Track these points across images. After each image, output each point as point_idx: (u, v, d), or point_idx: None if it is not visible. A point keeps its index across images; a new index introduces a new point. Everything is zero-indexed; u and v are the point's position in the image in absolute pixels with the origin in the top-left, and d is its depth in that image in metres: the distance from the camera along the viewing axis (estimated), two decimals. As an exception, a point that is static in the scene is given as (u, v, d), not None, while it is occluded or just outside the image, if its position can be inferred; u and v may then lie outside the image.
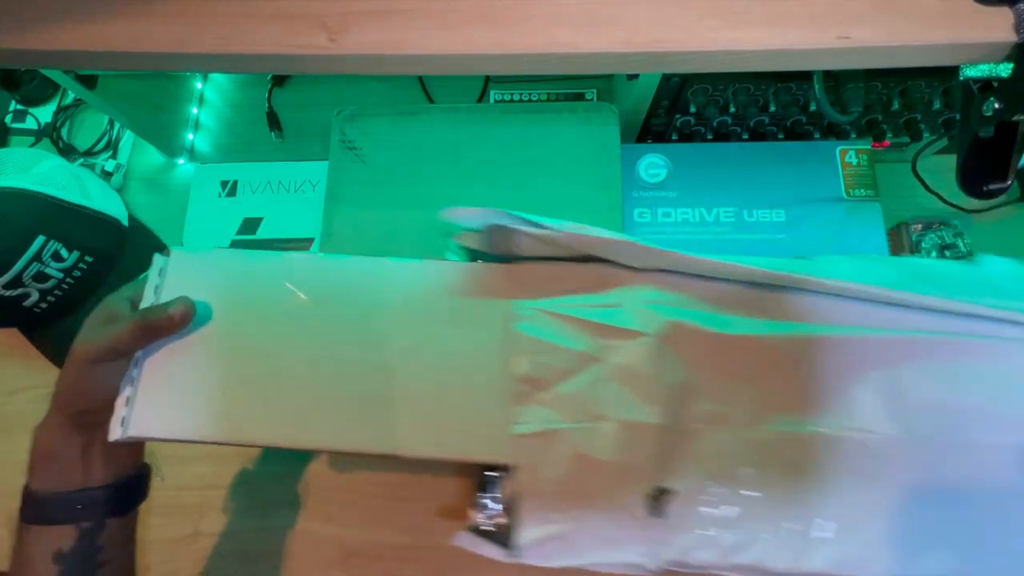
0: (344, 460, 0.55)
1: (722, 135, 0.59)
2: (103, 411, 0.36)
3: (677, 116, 0.56)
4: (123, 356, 0.37)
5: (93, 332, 0.36)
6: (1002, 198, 0.56)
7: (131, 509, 0.40)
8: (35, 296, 0.54)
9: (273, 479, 0.55)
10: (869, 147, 0.56)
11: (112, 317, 0.37)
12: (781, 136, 0.59)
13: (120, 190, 0.66)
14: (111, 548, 0.37)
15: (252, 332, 0.38)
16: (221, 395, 0.37)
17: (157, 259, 0.39)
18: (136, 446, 0.40)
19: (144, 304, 0.38)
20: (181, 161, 0.68)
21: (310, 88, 0.69)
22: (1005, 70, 0.34)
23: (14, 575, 0.36)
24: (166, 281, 0.39)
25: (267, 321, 0.39)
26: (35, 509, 0.37)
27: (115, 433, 0.36)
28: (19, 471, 0.56)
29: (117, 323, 0.36)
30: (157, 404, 0.37)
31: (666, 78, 0.51)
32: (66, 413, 0.37)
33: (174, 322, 0.36)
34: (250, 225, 0.60)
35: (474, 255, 0.41)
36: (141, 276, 0.39)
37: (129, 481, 0.39)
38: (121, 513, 0.39)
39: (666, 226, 0.54)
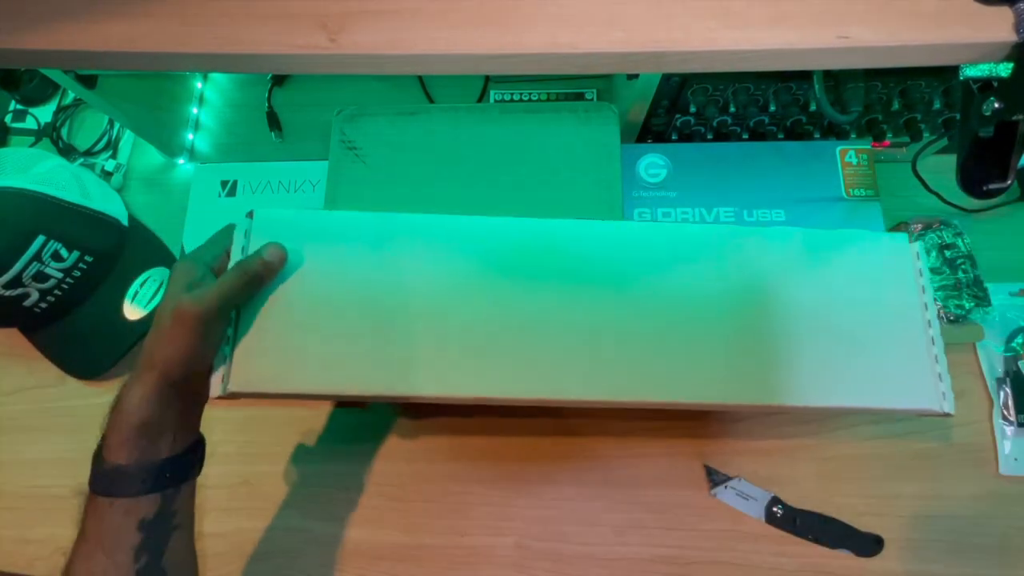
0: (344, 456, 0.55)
1: (722, 135, 0.59)
2: (208, 373, 0.37)
3: (677, 116, 0.56)
4: (230, 309, 0.38)
5: (190, 294, 0.36)
6: (1002, 198, 0.56)
7: (199, 472, 0.41)
8: (35, 296, 0.54)
9: (273, 479, 0.55)
10: (869, 147, 0.56)
11: (195, 280, 0.37)
12: (781, 136, 0.59)
13: (120, 190, 0.66)
14: (182, 512, 0.38)
15: (340, 287, 0.40)
16: (316, 349, 0.39)
17: (241, 222, 0.41)
18: (199, 409, 0.41)
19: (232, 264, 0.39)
20: (181, 161, 0.68)
21: (310, 88, 0.69)
22: (1005, 70, 0.34)
23: (93, 546, 0.35)
24: (251, 243, 0.41)
25: (354, 276, 0.41)
26: (124, 483, 0.36)
27: (215, 390, 0.38)
28: (19, 471, 0.57)
29: (207, 283, 0.36)
30: (255, 361, 0.38)
31: (666, 78, 0.51)
32: (171, 379, 0.36)
33: (271, 266, 0.38)
34: (250, 225, 0.60)
35: None
36: (211, 238, 0.41)
37: (198, 444, 0.40)
38: (194, 476, 0.40)
39: (666, 226, 0.54)
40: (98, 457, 0.36)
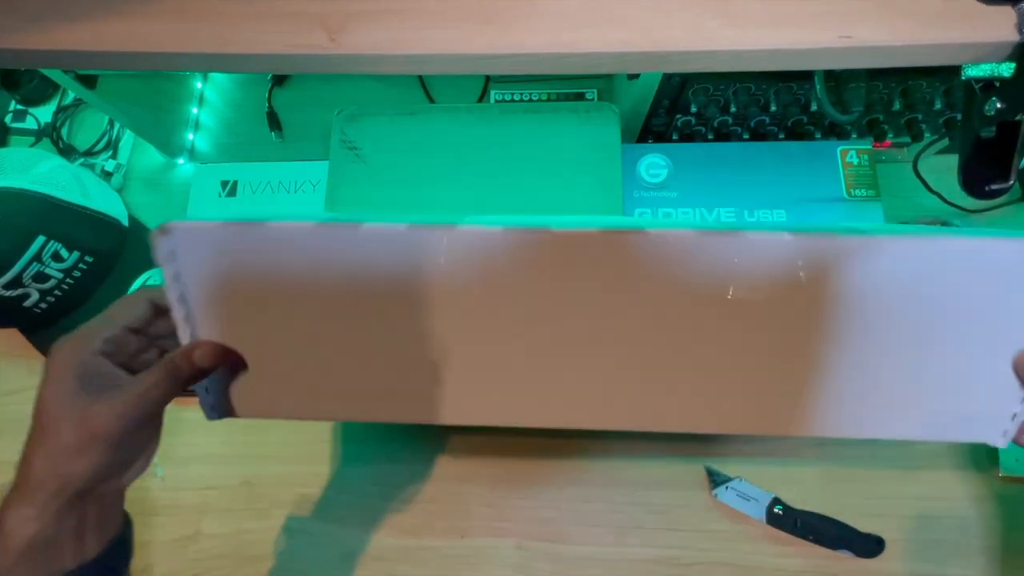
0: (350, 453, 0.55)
1: (723, 135, 0.59)
2: (129, 481, 0.33)
3: (678, 116, 0.56)
4: (156, 416, 0.32)
5: (102, 399, 0.29)
6: (1004, 198, 0.56)
7: (128, 566, 0.34)
8: (35, 296, 0.54)
9: (273, 479, 0.55)
10: (870, 147, 0.56)
11: (93, 372, 0.30)
12: (782, 136, 0.59)
13: (120, 190, 0.66)
14: None
15: (332, 312, 0.35)
16: (300, 374, 0.36)
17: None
18: (120, 499, 0.34)
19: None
20: (181, 161, 0.68)
21: (310, 88, 0.69)
22: (1007, 70, 0.34)
23: None
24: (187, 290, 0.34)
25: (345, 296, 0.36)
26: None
27: (210, 416, 0.35)
28: (19, 471, 0.57)
29: (118, 384, 0.30)
30: (240, 387, 0.35)
31: (667, 78, 0.51)
32: (72, 494, 0.30)
33: (202, 369, 0.31)
34: (250, 225, 0.60)
35: None
36: (104, 313, 0.32)
37: (121, 539, 0.33)
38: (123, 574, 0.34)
39: (667, 226, 0.54)
40: None
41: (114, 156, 0.68)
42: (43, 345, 0.59)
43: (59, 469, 0.29)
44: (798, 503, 0.51)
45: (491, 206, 0.53)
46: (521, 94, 0.66)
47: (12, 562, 0.29)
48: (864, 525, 0.50)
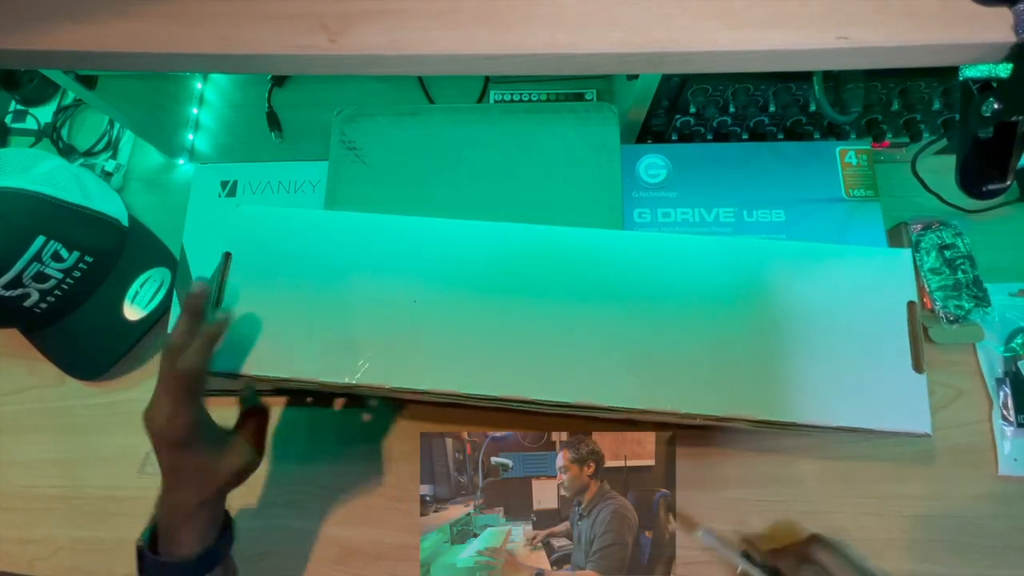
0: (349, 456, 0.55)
1: (722, 135, 0.59)
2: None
3: (677, 116, 0.56)
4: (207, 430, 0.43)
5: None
6: (1001, 198, 0.56)
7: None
8: (35, 296, 0.54)
9: (272, 479, 0.55)
10: (869, 147, 0.56)
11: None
12: (781, 136, 0.59)
13: (120, 190, 0.66)
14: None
15: (322, 282, 0.44)
16: (291, 339, 0.43)
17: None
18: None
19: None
20: (181, 161, 0.68)
21: (310, 88, 0.69)
22: (1004, 70, 0.34)
23: None
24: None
25: (334, 273, 0.44)
26: (212, 559, 0.42)
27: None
28: (19, 471, 0.57)
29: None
30: (233, 344, 0.43)
31: (666, 78, 0.51)
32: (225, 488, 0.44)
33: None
34: (250, 225, 0.60)
35: None
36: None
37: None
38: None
39: (666, 226, 0.54)
40: (155, 554, 0.40)
41: (114, 156, 0.68)
42: (43, 345, 0.59)
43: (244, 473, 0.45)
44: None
45: (490, 206, 0.53)
46: (520, 94, 0.66)
47: (205, 534, 0.42)
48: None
